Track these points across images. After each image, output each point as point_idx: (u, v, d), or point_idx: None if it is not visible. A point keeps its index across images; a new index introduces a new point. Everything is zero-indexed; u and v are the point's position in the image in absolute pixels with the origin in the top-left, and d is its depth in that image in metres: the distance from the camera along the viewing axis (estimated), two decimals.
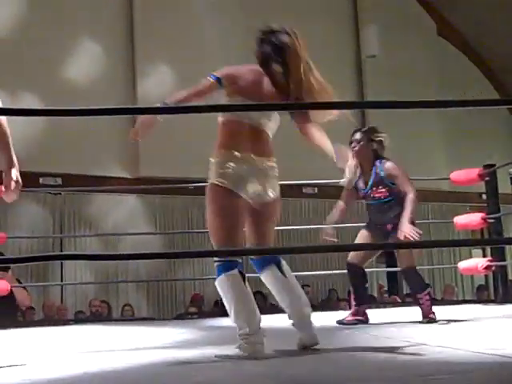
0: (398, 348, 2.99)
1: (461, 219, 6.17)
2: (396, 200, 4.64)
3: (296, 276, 3.26)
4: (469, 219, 6.13)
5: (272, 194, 3.14)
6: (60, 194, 9.64)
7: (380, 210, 4.71)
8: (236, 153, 3.04)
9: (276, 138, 3.19)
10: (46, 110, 1.90)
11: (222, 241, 3.00)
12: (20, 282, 6.69)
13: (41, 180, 9.31)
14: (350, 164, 3.17)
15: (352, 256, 4.73)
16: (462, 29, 13.17)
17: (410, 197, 4.54)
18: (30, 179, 8.80)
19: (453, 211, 9.78)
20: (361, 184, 4.80)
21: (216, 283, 3.00)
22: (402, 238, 4.35)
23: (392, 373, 2.37)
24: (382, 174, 4.67)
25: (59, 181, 9.42)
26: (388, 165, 4.68)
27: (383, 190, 4.68)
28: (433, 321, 4.49)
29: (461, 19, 12.91)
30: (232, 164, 3.03)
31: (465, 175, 6.16)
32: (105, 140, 9.66)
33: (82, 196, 9.81)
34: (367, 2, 12.11)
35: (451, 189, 10.28)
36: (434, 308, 4.58)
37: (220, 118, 3.16)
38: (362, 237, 4.80)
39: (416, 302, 4.62)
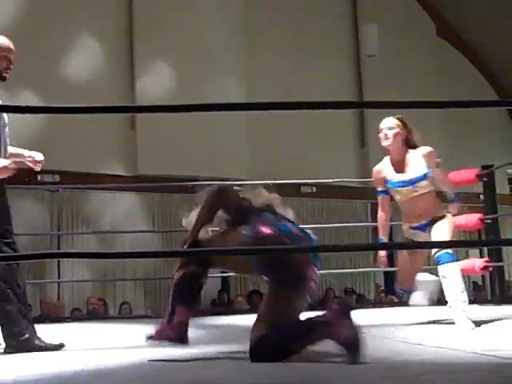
0: (392, 347, 2.99)
1: (458, 220, 6.15)
2: None
3: None
4: (466, 220, 6.12)
5: None
6: (58, 191, 9.61)
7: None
8: None
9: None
10: (45, 108, 1.90)
11: None
12: None
13: (39, 177, 9.28)
14: None
15: None
16: (461, 30, 13.18)
17: None
18: (27, 176, 8.89)
19: None
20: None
21: None
22: None
23: (381, 372, 2.37)
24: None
25: (57, 178, 9.38)
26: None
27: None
28: None
29: (460, 20, 12.92)
30: None
31: (463, 176, 6.15)
32: (103, 138, 9.66)
33: (81, 193, 9.79)
34: (367, 0, 12.11)
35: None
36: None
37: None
38: None
39: None
